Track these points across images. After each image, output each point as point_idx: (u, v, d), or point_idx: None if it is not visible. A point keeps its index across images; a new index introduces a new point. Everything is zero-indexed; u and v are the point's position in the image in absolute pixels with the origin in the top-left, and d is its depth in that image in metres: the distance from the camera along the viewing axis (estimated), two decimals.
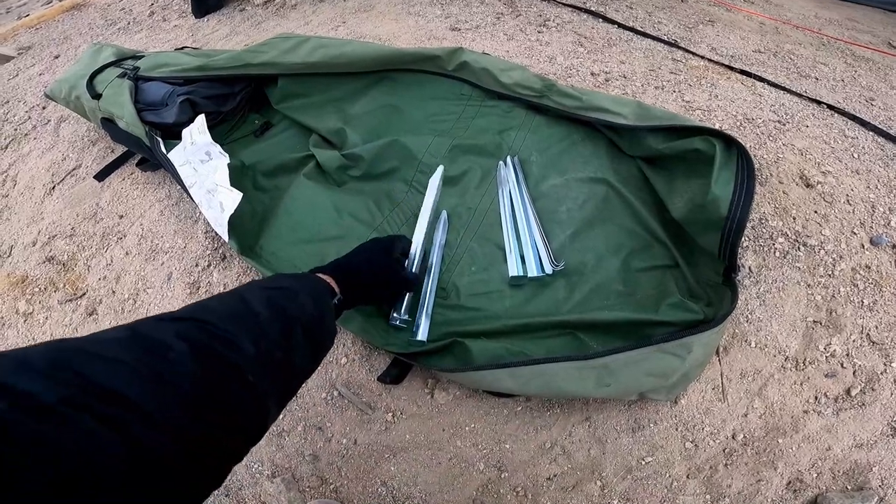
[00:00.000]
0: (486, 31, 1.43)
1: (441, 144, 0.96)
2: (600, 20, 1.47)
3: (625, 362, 0.62)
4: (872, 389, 0.71)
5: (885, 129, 1.05)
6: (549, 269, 0.79)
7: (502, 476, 0.69)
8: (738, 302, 0.77)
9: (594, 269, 0.80)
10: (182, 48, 1.26)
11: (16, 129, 1.44)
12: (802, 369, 0.73)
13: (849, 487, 0.66)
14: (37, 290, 1.01)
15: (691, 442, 0.69)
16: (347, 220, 0.89)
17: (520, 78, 0.96)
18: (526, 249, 0.81)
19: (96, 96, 1.05)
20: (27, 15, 2.41)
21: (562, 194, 0.88)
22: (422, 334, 0.73)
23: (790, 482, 0.67)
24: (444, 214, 0.89)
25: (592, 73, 1.22)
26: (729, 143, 0.75)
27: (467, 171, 0.93)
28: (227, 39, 1.65)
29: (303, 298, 0.45)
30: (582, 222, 0.84)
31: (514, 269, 0.79)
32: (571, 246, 0.83)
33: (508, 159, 0.93)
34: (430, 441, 0.72)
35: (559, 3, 1.56)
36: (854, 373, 0.73)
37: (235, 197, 0.81)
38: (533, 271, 0.79)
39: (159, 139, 0.93)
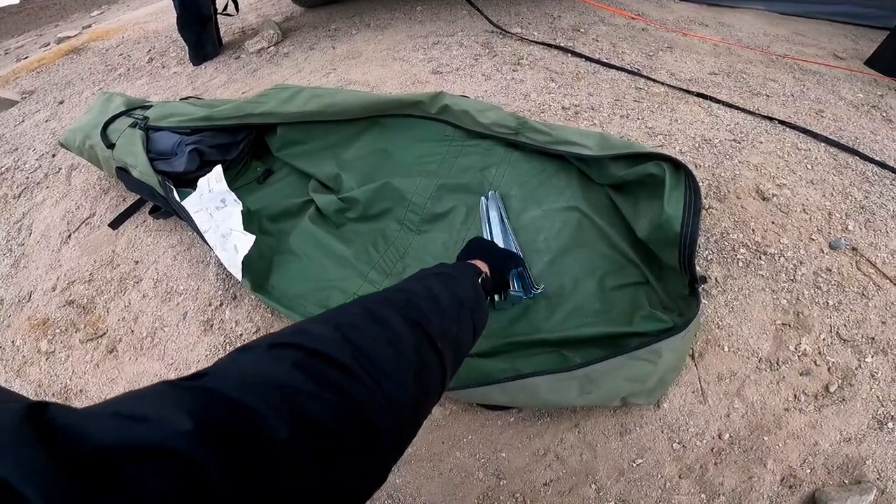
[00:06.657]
0: (465, 73, 1.52)
1: (428, 185, 1.04)
2: (569, 55, 1.56)
3: (603, 371, 0.69)
4: (850, 385, 0.74)
5: (835, 139, 1.12)
6: (529, 294, 0.86)
7: (501, 483, 0.73)
8: (709, 310, 0.83)
9: (572, 291, 0.87)
10: (187, 98, 1.32)
11: (27, 178, 1.45)
12: (777, 369, 0.77)
13: (846, 481, 0.67)
14: (58, 331, 1.04)
15: (678, 443, 0.72)
16: (348, 261, 0.96)
17: (496, 117, 1.04)
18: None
19: (110, 146, 1.09)
20: (26, 57, 2.37)
21: (539, 224, 0.96)
22: None
23: (783, 478, 0.68)
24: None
25: (563, 108, 1.30)
26: (677, 165, 0.83)
27: (453, 208, 1.02)
28: (224, 87, 1.72)
29: (462, 282, 0.54)
30: (558, 250, 0.92)
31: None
32: (550, 271, 0.90)
33: (490, 194, 1.01)
34: (431, 453, 0.76)
35: (531, 41, 1.66)
36: (829, 370, 0.76)
37: (249, 240, 0.89)
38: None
39: (172, 187, 1.00)
